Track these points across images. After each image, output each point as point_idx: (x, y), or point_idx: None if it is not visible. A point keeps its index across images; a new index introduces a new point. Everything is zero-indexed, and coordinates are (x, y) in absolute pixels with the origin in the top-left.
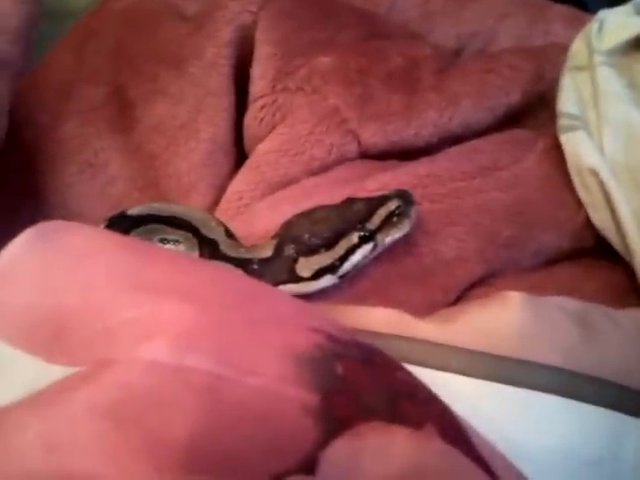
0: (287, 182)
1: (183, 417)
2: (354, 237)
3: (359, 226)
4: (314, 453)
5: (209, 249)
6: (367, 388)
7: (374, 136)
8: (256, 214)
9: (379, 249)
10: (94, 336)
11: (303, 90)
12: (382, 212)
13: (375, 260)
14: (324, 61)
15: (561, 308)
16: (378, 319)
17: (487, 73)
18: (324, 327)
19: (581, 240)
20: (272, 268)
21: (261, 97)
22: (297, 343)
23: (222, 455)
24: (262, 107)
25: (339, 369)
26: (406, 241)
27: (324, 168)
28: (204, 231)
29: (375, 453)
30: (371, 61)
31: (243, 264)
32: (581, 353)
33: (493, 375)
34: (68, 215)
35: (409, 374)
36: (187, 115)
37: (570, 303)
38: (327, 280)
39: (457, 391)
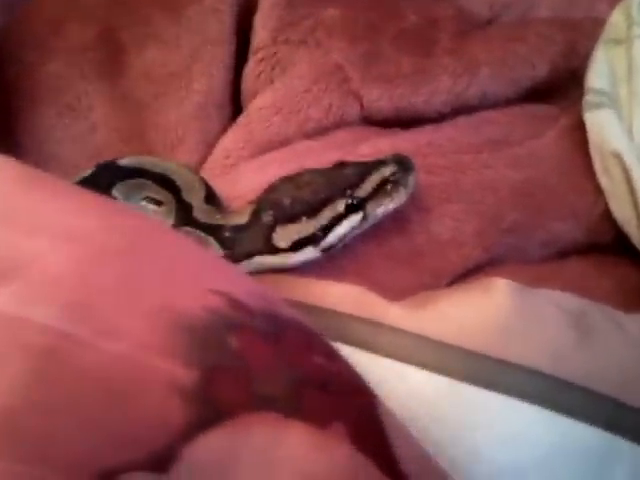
0: (279, 143)
1: (2, 382)
2: (340, 205)
3: (347, 193)
4: (174, 445)
5: (183, 214)
6: (266, 370)
7: (378, 99)
8: (242, 175)
9: (369, 221)
10: None
11: (306, 43)
12: (375, 178)
13: (360, 235)
14: (331, 13)
15: (556, 304)
16: (338, 296)
17: (513, 41)
18: (233, 291)
19: (597, 233)
20: (246, 236)
21: (261, 49)
22: (182, 305)
23: (42, 438)
24: (261, 60)
25: (233, 342)
26: (396, 216)
27: (320, 131)
28: (184, 194)
29: (257, 453)
30: (383, 17)
31: (214, 231)
32: (572, 358)
33: (463, 374)
34: (42, 160)
35: (334, 359)
36: (180, 63)
37: (569, 300)
38: (308, 253)
39: (417, 388)
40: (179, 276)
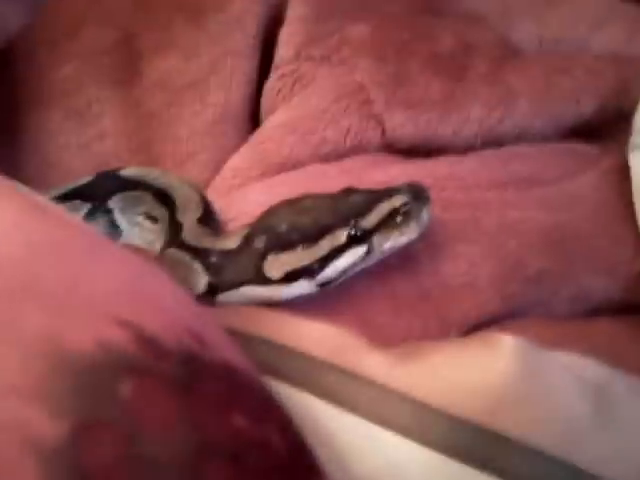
0: (291, 165)
1: None
2: (341, 235)
3: (351, 222)
4: None
5: (172, 234)
6: (160, 429)
7: (402, 126)
8: (246, 196)
9: (374, 256)
10: None
11: (329, 60)
12: (383, 208)
13: (362, 271)
14: (360, 30)
15: (574, 371)
16: (314, 337)
17: (557, 73)
18: (148, 322)
19: (635, 293)
20: (234, 263)
21: (283, 64)
22: (71, 337)
23: None
24: (282, 76)
25: (124, 390)
26: (404, 253)
27: (337, 155)
28: (178, 213)
29: None
30: (415, 38)
31: (200, 255)
32: (586, 439)
33: (450, 447)
34: (44, 165)
35: (264, 421)
36: (198, 73)
37: (591, 367)
38: (302, 287)
39: (390, 457)
40: (80, 298)
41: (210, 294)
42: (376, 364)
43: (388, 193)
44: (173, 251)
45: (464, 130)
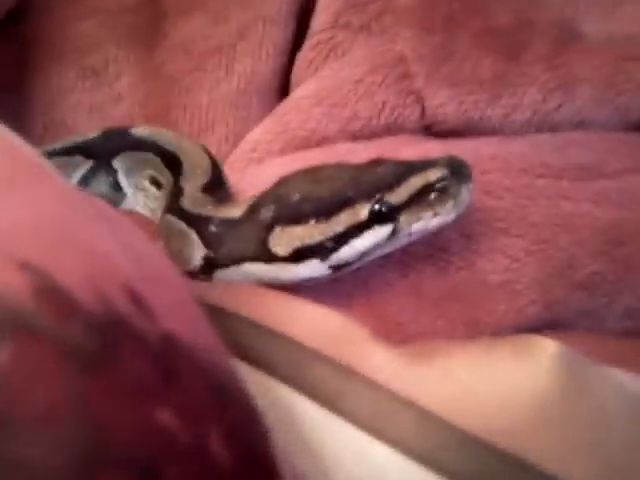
0: (316, 141)
1: None
2: (362, 210)
3: (376, 196)
4: None
5: (172, 200)
6: (41, 419)
7: (445, 105)
8: (263, 172)
9: (400, 239)
10: None
11: (369, 29)
12: (415, 182)
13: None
14: None
15: (625, 392)
16: (310, 323)
17: (627, 60)
18: (61, 269)
19: None
20: (236, 234)
21: (318, 33)
22: None
23: None
24: (315, 45)
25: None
26: (434, 241)
27: (369, 134)
28: (182, 178)
29: None
30: (467, 9)
31: (198, 223)
32: (633, 471)
33: (456, 472)
34: (52, 124)
35: (204, 419)
36: (225, 38)
37: None
38: (312, 267)
39: (380, 476)
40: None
41: (207, 270)
42: (379, 361)
43: (422, 165)
44: (169, 218)
45: (515, 115)
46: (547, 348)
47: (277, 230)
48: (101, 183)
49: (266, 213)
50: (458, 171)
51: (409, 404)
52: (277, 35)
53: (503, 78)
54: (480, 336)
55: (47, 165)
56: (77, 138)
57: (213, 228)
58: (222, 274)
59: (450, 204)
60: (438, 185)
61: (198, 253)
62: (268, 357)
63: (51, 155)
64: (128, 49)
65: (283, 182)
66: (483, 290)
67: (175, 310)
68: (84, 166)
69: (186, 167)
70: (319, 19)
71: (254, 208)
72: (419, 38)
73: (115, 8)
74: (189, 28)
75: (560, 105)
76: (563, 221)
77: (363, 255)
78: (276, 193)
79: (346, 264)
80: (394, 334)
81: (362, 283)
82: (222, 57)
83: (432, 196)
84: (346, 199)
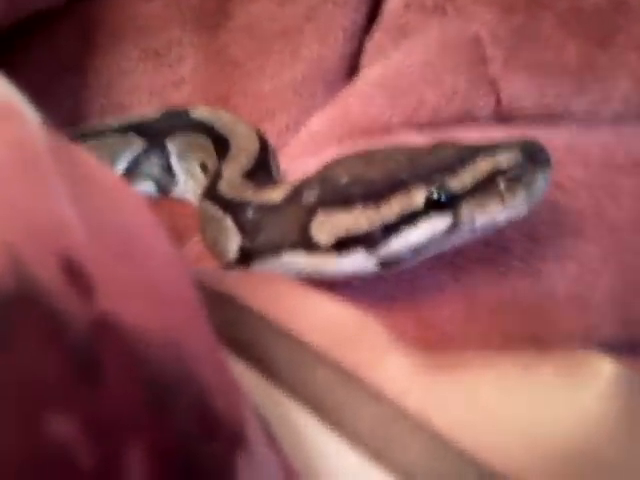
0: (379, 131)
1: None
2: (418, 195)
3: (434, 180)
4: None
5: (210, 185)
6: None
7: (524, 95)
8: (316, 162)
9: (462, 233)
10: None
11: (443, 10)
12: (482, 166)
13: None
14: None
15: None
16: (316, 318)
17: None
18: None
19: None
20: (275, 220)
21: (389, 15)
22: None
23: None
24: (386, 30)
25: None
26: (493, 239)
27: (437, 124)
28: (224, 163)
29: None
30: None
31: (235, 209)
32: None
33: None
34: (109, 106)
35: (164, 414)
36: (291, 20)
37: None
38: (357, 261)
39: None
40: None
41: (244, 261)
42: (393, 370)
43: (491, 148)
44: (205, 204)
45: (605, 108)
46: (603, 370)
47: (320, 215)
48: (153, 165)
49: (309, 196)
50: (533, 156)
51: (420, 425)
52: (347, 18)
53: (592, 66)
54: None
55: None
56: (134, 117)
57: (250, 214)
58: (260, 266)
59: (523, 194)
60: (510, 172)
61: (234, 242)
62: (270, 356)
63: (104, 133)
64: (193, 31)
65: (333, 164)
66: (548, 302)
67: (132, 290)
68: (137, 146)
69: (232, 152)
70: (390, 2)
71: (297, 191)
72: (497, 19)
73: None
74: (255, 9)
75: None
76: None
77: (417, 250)
78: (323, 175)
79: (397, 260)
80: (438, 345)
81: (406, 283)
82: (288, 41)
83: (501, 184)
84: (399, 182)
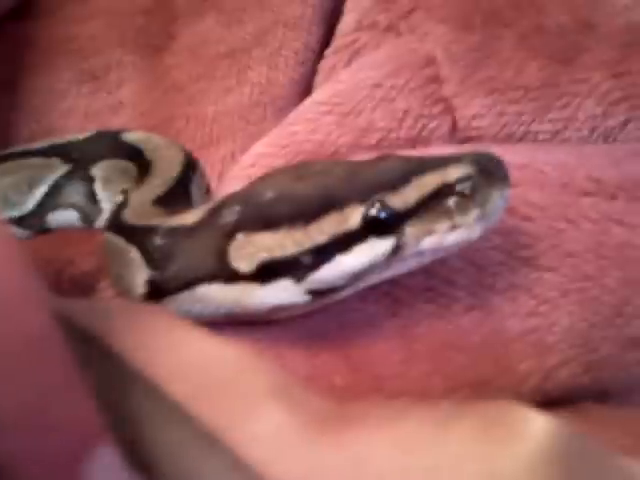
0: (326, 155)
1: None
2: (353, 214)
3: (374, 197)
4: None
5: (112, 215)
6: None
7: (481, 117)
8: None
9: (405, 259)
10: None
11: (396, 29)
12: (429, 181)
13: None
14: None
15: None
16: (180, 361)
17: None
18: None
19: None
20: (188, 247)
21: (341, 36)
22: None
23: None
24: (337, 50)
25: None
26: (435, 269)
27: (387, 145)
28: (134, 191)
29: None
30: (515, 4)
31: (140, 236)
32: None
33: None
34: (41, 131)
35: None
36: (238, 43)
37: None
38: (283, 291)
39: None
40: None
41: (153, 298)
42: (263, 428)
43: (440, 161)
44: (108, 236)
45: (568, 132)
46: (534, 426)
47: (240, 238)
48: (74, 192)
49: (228, 217)
50: (489, 171)
51: None
52: (298, 42)
53: (554, 85)
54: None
55: None
56: (60, 139)
57: (158, 241)
58: (173, 303)
59: (475, 213)
60: (460, 187)
61: (141, 275)
62: (122, 404)
63: (25, 155)
64: (134, 53)
65: (260, 180)
66: (498, 340)
67: None
68: (59, 170)
69: (148, 178)
70: (343, 22)
71: (214, 212)
72: (453, 36)
73: (126, 9)
74: (200, 29)
75: (626, 121)
76: (614, 253)
77: (353, 278)
78: (246, 192)
79: (330, 289)
80: (370, 390)
81: (333, 317)
82: (234, 63)
83: (451, 202)
84: (333, 200)
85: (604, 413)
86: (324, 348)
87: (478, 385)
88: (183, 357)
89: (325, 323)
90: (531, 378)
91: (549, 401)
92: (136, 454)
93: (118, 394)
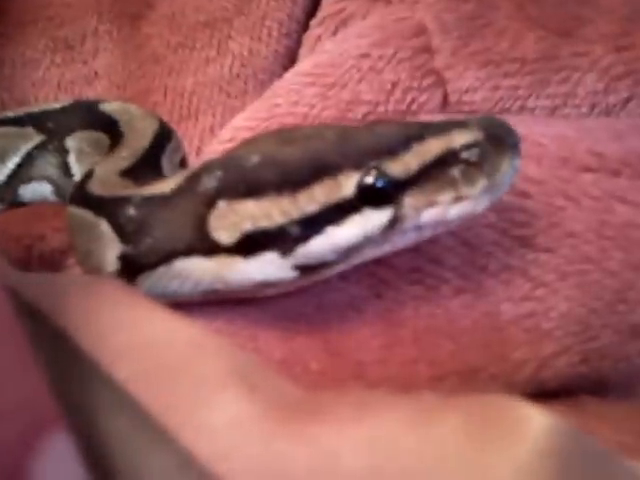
0: None
1: None
2: (347, 181)
3: (370, 164)
4: None
5: (76, 188)
6: None
7: (474, 90)
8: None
9: (404, 233)
10: None
11: None
12: (431, 147)
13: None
14: None
15: None
16: (133, 340)
17: None
18: None
19: None
20: (164, 217)
21: (327, 5)
22: None
23: None
24: (323, 19)
25: None
26: (423, 248)
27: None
28: (100, 163)
29: None
30: None
31: (110, 208)
32: None
33: None
34: (11, 101)
35: None
36: (219, 12)
37: None
38: (267, 265)
39: None
40: None
41: (127, 275)
42: (217, 419)
43: (445, 126)
44: (72, 210)
45: (567, 108)
46: (531, 423)
47: (221, 206)
48: (48, 164)
49: (208, 183)
50: (498, 137)
51: None
52: (283, 12)
53: (552, 58)
54: (481, 393)
55: None
56: (37, 107)
57: (132, 211)
58: (148, 280)
59: (482, 184)
60: (466, 154)
61: (112, 250)
62: (72, 389)
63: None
64: (111, 22)
65: (243, 144)
66: (491, 326)
67: None
68: (32, 140)
69: (117, 149)
70: None
71: (193, 178)
72: (445, 4)
73: None
74: None
75: (629, 98)
76: (617, 233)
77: (346, 253)
78: (229, 157)
79: (320, 265)
80: (350, 378)
81: (313, 298)
82: (214, 33)
83: (456, 170)
84: (324, 165)
85: (602, 407)
86: (301, 330)
87: (467, 373)
88: (133, 336)
89: (303, 303)
90: (525, 367)
91: (543, 393)
92: (88, 444)
93: (68, 377)
